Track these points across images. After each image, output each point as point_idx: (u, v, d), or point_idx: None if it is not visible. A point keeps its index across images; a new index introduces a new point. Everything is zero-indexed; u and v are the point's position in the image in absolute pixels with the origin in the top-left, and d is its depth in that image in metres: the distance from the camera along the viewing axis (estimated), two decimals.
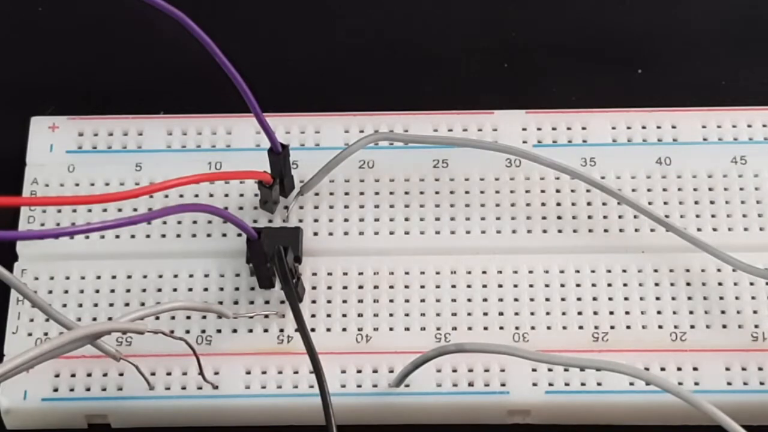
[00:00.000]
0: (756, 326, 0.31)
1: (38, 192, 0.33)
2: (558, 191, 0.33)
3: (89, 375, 0.31)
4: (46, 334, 0.31)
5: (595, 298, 0.32)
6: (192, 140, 0.34)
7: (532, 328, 0.31)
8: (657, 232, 0.32)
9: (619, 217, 0.32)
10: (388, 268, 0.32)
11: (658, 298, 0.31)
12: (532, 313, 0.31)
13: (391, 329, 0.31)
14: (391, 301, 0.32)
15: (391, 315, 0.31)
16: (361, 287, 0.32)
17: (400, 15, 0.37)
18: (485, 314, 0.31)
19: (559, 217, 0.33)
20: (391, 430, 0.31)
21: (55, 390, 0.31)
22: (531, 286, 0.32)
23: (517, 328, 0.31)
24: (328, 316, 0.31)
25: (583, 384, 0.30)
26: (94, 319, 0.32)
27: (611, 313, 0.31)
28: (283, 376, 0.31)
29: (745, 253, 0.31)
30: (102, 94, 0.36)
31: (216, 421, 0.31)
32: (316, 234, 0.32)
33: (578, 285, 0.32)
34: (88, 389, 0.31)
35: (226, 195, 0.33)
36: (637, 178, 0.33)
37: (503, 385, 0.31)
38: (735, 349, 0.31)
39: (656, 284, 0.32)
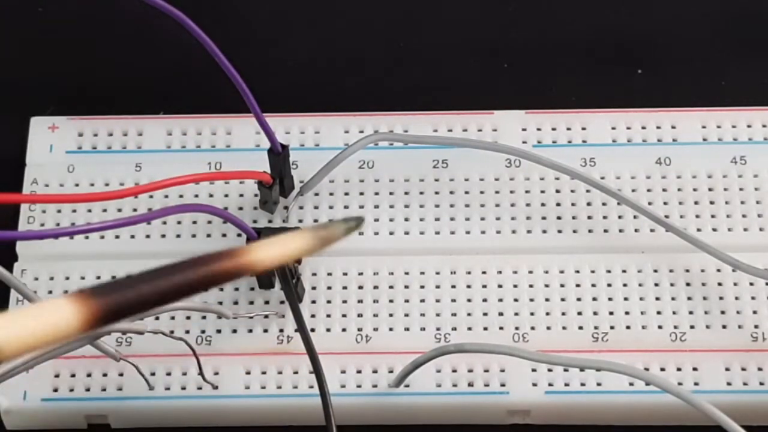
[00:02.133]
0: (756, 326, 0.31)
1: (38, 192, 0.33)
2: (558, 191, 0.33)
3: (89, 375, 0.31)
4: None
5: (594, 299, 0.32)
6: (192, 140, 0.34)
7: (532, 328, 0.31)
8: (657, 232, 0.32)
9: (619, 217, 0.32)
10: (388, 268, 0.32)
11: (657, 299, 0.31)
12: (531, 314, 0.31)
13: (390, 329, 0.31)
14: (391, 301, 0.32)
15: (390, 315, 0.31)
16: (360, 287, 0.32)
17: (399, 15, 0.37)
18: (485, 314, 0.31)
19: (559, 218, 0.33)
20: (390, 430, 0.31)
21: (55, 390, 0.31)
22: (531, 286, 0.32)
23: (516, 328, 0.31)
24: (328, 316, 0.31)
25: (582, 384, 0.30)
26: None
27: (611, 313, 0.31)
28: (282, 377, 0.31)
29: (745, 253, 0.31)
30: (102, 94, 0.36)
31: (216, 421, 0.31)
32: None
33: (578, 285, 0.32)
34: (87, 389, 0.31)
35: (226, 195, 0.33)
36: (637, 179, 0.33)
37: (503, 385, 0.31)
38: (735, 350, 0.31)
39: (656, 284, 0.32)
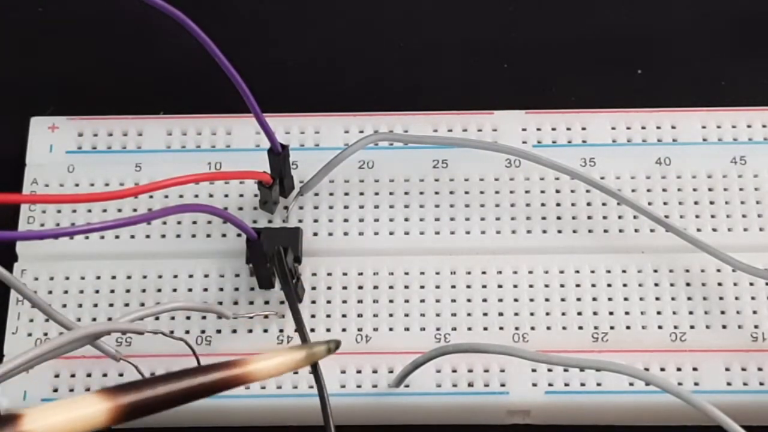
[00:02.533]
0: (756, 326, 0.31)
1: (38, 192, 0.33)
2: (558, 191, 0.33)
3: (89, 375, 0.31)
4: (45, 334, 0.31)
5: (594, 299, 0.32)
6: (192, 140, 0.34)
7: (532, 328, 0.31)
8: (657, 232, 0.32)
9: (619, 217, 0.32)
10: (388, 268, 0.32)
11: (657, 299, 0.31)
12: (531, 314, 0.31)
13: (390, 329, 0.31)
14: (391, 301, 0.32)
15: (390, 315, 0.31)
16: (360, 287, 0.32)
17: (399, 15, 0.37)
18: (485, 314, 0.31)
19: (559, 218, 0.33)
20: (390, 431, 0.31)
21: (55, 390, 0.31)
22: (531, 286, 0.32)
23: (516, 328, 0.31)
24: (328, 316, 0.31)
25: (582, 384, 0.30)
26: (94, 320, 0.32)
27: (611, 313, 0.31)
28: (283, 377, 0.31)
29: (744, 253, 0.31)
30: (102, 94, 0.36)
31: (216, 421, 0.31)
32: (315, 234, 0.32)
33: (578, 285, 0.32)
34: (87, 389, 0.31)
35: (226, 195, 0.33)
36: (637, 179, 0.33)
37: (503, 385, 0.31)
38: (735, 350, 0.31)
39: (656, 284, 0.32)
